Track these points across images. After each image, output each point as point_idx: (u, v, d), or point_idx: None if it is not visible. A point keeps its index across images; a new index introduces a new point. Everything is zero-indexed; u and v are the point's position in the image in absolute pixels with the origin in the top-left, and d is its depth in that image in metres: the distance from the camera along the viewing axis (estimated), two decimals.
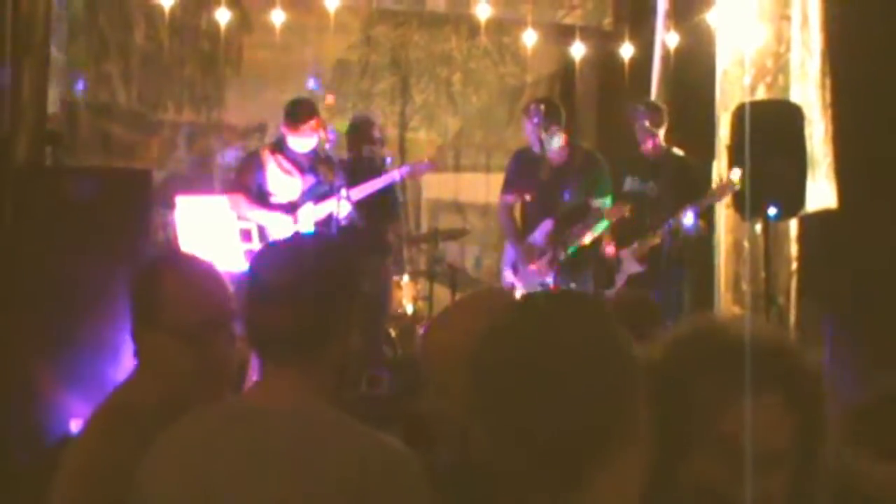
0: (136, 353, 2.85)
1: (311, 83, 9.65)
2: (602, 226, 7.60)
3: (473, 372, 1.77)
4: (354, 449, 2.28)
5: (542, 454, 1.67)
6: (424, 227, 9.71)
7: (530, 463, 1.68)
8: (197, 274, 2.87)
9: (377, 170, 7.81)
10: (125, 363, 5.46)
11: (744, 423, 1.82)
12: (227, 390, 2.78)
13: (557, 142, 7.50)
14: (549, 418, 1.66)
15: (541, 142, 7.51)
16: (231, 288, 2.90)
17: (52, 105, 7.60)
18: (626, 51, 9.21)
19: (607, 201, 7.54)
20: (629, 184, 7.73)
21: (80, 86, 9.18)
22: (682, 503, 1.83)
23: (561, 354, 1.69)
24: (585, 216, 7.53)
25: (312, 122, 7.37)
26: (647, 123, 7.72)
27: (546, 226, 7.48)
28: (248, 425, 2.35)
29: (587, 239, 7.56)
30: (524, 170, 7.70)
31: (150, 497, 2.38)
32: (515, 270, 7.71)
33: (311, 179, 7.46)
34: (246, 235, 7.49)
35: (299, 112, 7.33)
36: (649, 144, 7.69)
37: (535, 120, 7.48)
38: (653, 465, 1.75)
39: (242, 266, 6.49)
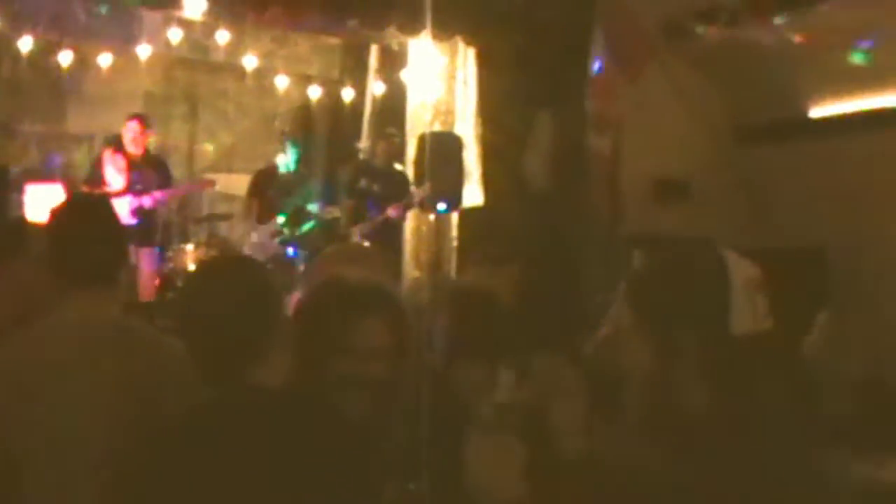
0: None
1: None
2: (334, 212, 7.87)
3: (181, 306, 2.02)
4: (139, 339, 2.43)
5: (221, 355, 1.88)
6: (205, 211, 9.40)
7: (215, 361, 1.89)
8: None
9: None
10: None
11: (358, 333, 1.99)
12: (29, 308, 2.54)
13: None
14: (219, 333, 1.87)
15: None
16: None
17: None
18: (348, 94, 9.60)
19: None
20: (363, 183, 7.80)
21: None
22: (328, 388, 1.96)
23: (227, 294, 1.89)
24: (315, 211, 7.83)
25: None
26: (387, 148, 7.91)
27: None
28: (69, 333, 2.38)
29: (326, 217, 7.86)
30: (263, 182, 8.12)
31: None
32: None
33: (136, 176, 7.69)
34: None
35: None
36: (383, 159, 7.93)
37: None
38: (303, 363, 1.93)
39: None
